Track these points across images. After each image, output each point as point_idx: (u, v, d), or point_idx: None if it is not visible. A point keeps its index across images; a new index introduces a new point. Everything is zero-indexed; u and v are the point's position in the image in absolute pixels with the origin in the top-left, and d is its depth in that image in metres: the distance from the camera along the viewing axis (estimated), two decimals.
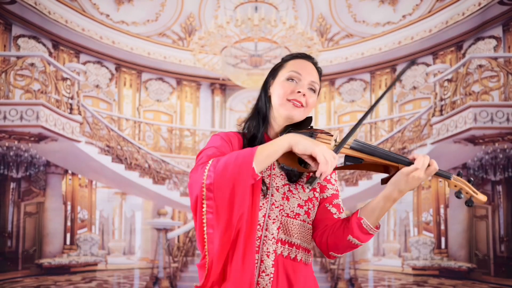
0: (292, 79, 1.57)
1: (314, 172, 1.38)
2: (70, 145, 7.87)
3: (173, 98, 10.79)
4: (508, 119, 7.01)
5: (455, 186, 1.48)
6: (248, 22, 8.60)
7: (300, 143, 1.36)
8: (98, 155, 8.32)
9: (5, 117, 7.12)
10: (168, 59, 10.35)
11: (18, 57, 7.75)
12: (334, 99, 10.88)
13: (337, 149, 1.40)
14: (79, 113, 8.20)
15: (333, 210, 1.60)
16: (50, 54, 8.65)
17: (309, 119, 1.61)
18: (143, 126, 10.18)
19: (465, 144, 7.53)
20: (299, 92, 1.55)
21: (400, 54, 9.74)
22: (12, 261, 7.52)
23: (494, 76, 7.58)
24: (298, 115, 1.56)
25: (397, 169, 1.43)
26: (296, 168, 1.47)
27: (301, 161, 1.49)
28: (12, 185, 7.63)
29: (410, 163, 1.43)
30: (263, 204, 1.51)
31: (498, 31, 8.01)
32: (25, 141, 7.53)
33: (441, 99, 8.09)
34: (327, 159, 1.33)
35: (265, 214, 1.51)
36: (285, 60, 1.65)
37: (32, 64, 7.82)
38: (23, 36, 8.29)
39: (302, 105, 1.56)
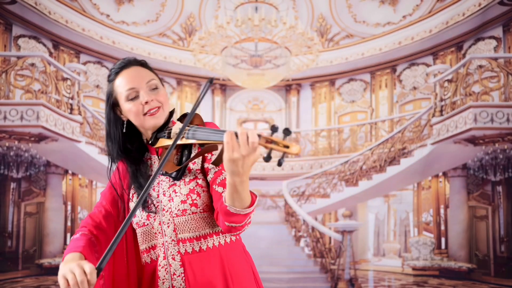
0: (132, 98, 1.56)
1: (190, 160, 1.48)
2: (70, 145, 7.87)
3: (173, 98, 10.79)
4: (508, 120, 7.01)
5: (266, 148, 1.23)
6: (249, 22, 8.60)
7: (60, 270, 1.38)
8: (98, 155, 8.32)
9: (5, 117, 7.12)
10: (168, 59, 10.35)
11: (19, 57, 7.75)
12: (334, 99, 10.87)
13: (169, 150, 1.38)
14: (80, 113, 8.20)
15: (220, 189, 1.52)
16: (51, 54, 8.65)
17: (171, 114, 1.63)
18: None
19: (465, 144, 7.53)
20: (146, 102, 1.55)
21: (400, 55, 9.74)
22: (12, 261, 7.52)
23: (494, 76, 7.58)
24: (160, 121, 1.57)
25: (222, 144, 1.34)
26: (174, 171, 1.53)
27: (179, 162, 1.55)
28: (12, 185, 7.63)
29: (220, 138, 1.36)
30: (156, 213, 1.58)
31: (498, 32, 8.01)
32: (25, 141, 7.54)
33: (441, 100, 8.09)
34: (68, 278, 1.33)
35: (160, 221, 1.56)
36: (111, 80, 1.61)
37: (32, 64, 7.82)
38: (24, 36, 8.30)
39: (157, 109, 1.56)
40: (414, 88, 9.70)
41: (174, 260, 1.55)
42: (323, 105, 10.99)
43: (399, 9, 9.51)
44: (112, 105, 1.61)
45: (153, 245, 1.59)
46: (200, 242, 1.56)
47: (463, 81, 7.75)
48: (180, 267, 1.55)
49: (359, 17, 9.93)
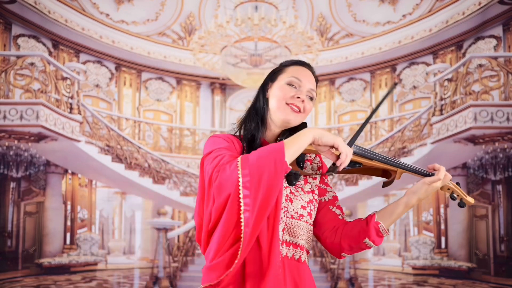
0: (293, 85, 1.59)
1: (313, 174, 1.51)
2: (70, 145, 7.87)
3: (173, 98, 10.78)
4: (508, 119, 7.00)
5: (448, 189, 1.57)
6: (248, 21, 8.59)
7: (324, 136, 1.43)
8: (98, 155, 8.32)
9: (5, 117, 7.12)
10: (168, 58, 10.34)
11: (18, 57, 7.75)
12: (334, 99, 10.87)
13: (349, 145, 1.49)
14: (79, 113, 8.19)
15: (337, 211, 1.63)
16: (50, 53, 8.64)
17: (304, 125, 1.63)
18: (143, 125, 10.18)
19: (465, 143, 7.53)
20: (298, 97, 1.58)
21: (400, 54, 9.73)
22: (12, 260, 7.52)
23: (494, 75, 7.57)
24: (295, 120, 1.58)
25: (395, 173, 1.52)
26: (299, 171, 1.55)
27: (298, 165, 1.57)
28: (12, 184, 7.62)
29: (427, 174, 1.54)
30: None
31: (498, 31, 8.00)
32: (25, 141, 7.53)
33: (441, 99, 8.08)
34: (346, 151, 1.42)
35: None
36: (285, 65, 1.67)
37: (32, 64, 7.82)
38: (23, 35, 8.29)
39: (300, 111, 1.58)
40: (414, 87, 9.69)
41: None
42: (322, 104, 10.98)
43: (399, 8, 9.50)
44: (267, 81, 1.66)
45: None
46: (301, 252, 1.57)
47: (463, 80, 7.75)
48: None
49: (359, 16, 9.93)
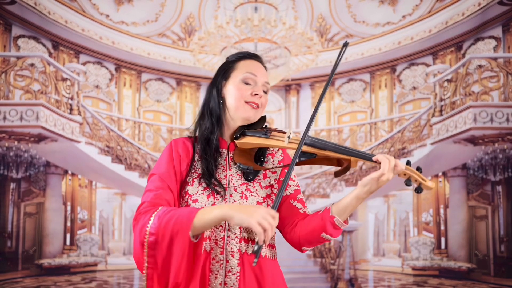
0: (248, 82, 1.61)
1: (272, 168, 1.52)
2: (70, 146, 7.87)
3: (173, 99, 10.79)
4: (508, 120, 7.01)
5: (404, 174, 1.49)
6: (248, 22, 8.60)
7: (235, 217, 1.37)
8: (98, 156, 8.32)
9: (5, 118, 7.12)
10: (168, 59, 10.35)
11: (18, 58, 7.75)
12: (334, 99, 10.87)
13: (297, 151, 1.46)
14: (79, 114, 8.20)
15: (298, 205, 1.63)
16: (50, 54, 8.65)
17: (263, 119, 1.66)
18: (143, 126, 10.18)
19: (465, 144, 7.54)
20: (256, 94, 1.60)
21: (400, 55, 9.74)
22: (12, 261, 7.52)
23: (494, 76, 7.58)
24: (255, 116, 1.62)
25: (349, 162, 1.48)
26: (252, 166, 1.54)
27: (256, 159, 1.59)
28: (12, 185, 7.62)
29: (370, 158, 1.48)
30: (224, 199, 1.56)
31: (498, 32, 8.00)
32: (25, 142, 7.53)
33: (441, 100, 8.09)
34: (265, 227, 1.33)
35: None
36: (234, 60, 1.67)
37: (32, 65, 7.82)
38: (23, 36, 8.29)
39: (258, 106, 1.61)
40: (414, 88, 9.69)
41: (233, 257, 1.54)
42: (322, 105, 10.98)
43: (398, 9, 9.51)
44: (219, 80, 1.65)
45: (206, 236, 1.54)
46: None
47: (463, 81, 7.75)
48: (238, 266, 1.53)
49: (359, 17, 9.93)
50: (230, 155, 1.62)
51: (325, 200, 9.38)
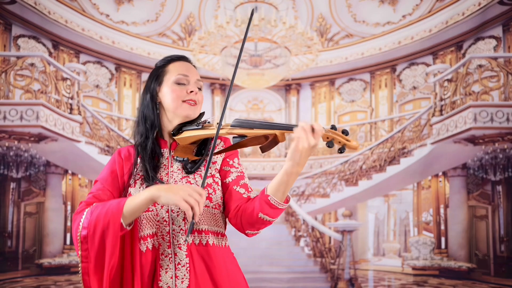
0: (181, 83, 1.67)
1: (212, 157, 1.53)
2: (70, 145, 7.87)
3: None
4: (508, 119, 7.01)
5: (327, 138, 1.45)
6: None
7: (162, 197, 1.44)
8: (98, 155, 8.32)
9: (5, 117, 7.12)
10: None
11: (18, 57, 7.75)
12: (334, 99, 10.87)
13: (217, 131, 1.52)
14: (79, 113, 8.19)
15: (241, 190, 1.64)
16: (50, 54, 8.65)
17: (201, 115, 1.71)
18: None
19: (465, 144, 7.53)
20: (191, 91, 1.66)
21: (400, 54, 9.74)
22: (12, 261, 7.52)
23: (494, 76, 7.58)
24: (194, 113, 1.66)
25: (275, 136, 1.49)
26: (188, 157, 1.60)
27: (198, 153, 1.64)
28: (12, 185, 7.62)
29: (291, 128, 1.47)
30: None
31: (498, 31, 8.00)
32: (25, 141, 7.53)
33: (441, 99, 8.09)
34: (191, 204, 1.40)
35: (168, 209, 1.58)
36: (163, 64, 1.73)
37: (32, 64, 7.82)
38: (23, 36, 8.29)
39: (196, 103, 1.66)
40: (414, 87, 9.69)
41: (181, 249, 1.57)
42: (322, 105, 10.99)
43: (398, 8, 9.51)
44: (152, 85, 1.70)
45: (152, 232, 1.59)
46: (207, 237, 1.60)
47: (463, 81, 7.75)
48: (186, 257, 1.56)
49: (359, 17, 9.93)
50: (172, 153, 1.67)
51: (326, 199, 9.38)
